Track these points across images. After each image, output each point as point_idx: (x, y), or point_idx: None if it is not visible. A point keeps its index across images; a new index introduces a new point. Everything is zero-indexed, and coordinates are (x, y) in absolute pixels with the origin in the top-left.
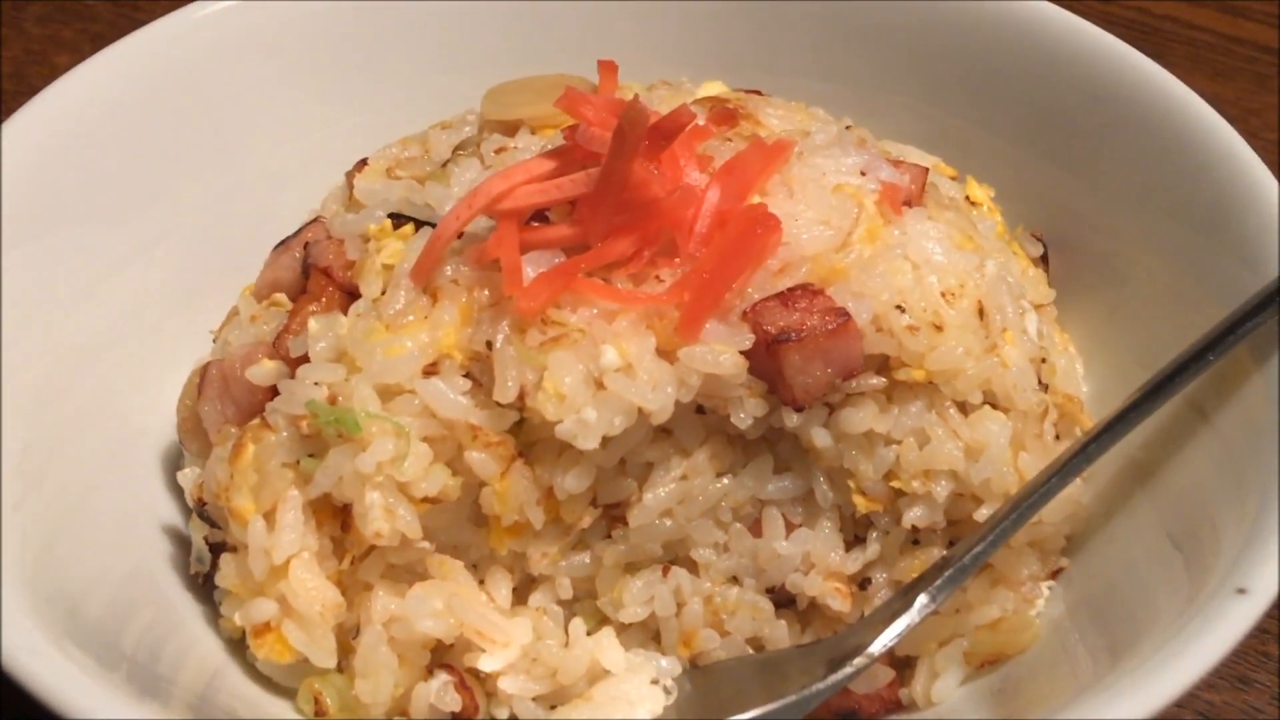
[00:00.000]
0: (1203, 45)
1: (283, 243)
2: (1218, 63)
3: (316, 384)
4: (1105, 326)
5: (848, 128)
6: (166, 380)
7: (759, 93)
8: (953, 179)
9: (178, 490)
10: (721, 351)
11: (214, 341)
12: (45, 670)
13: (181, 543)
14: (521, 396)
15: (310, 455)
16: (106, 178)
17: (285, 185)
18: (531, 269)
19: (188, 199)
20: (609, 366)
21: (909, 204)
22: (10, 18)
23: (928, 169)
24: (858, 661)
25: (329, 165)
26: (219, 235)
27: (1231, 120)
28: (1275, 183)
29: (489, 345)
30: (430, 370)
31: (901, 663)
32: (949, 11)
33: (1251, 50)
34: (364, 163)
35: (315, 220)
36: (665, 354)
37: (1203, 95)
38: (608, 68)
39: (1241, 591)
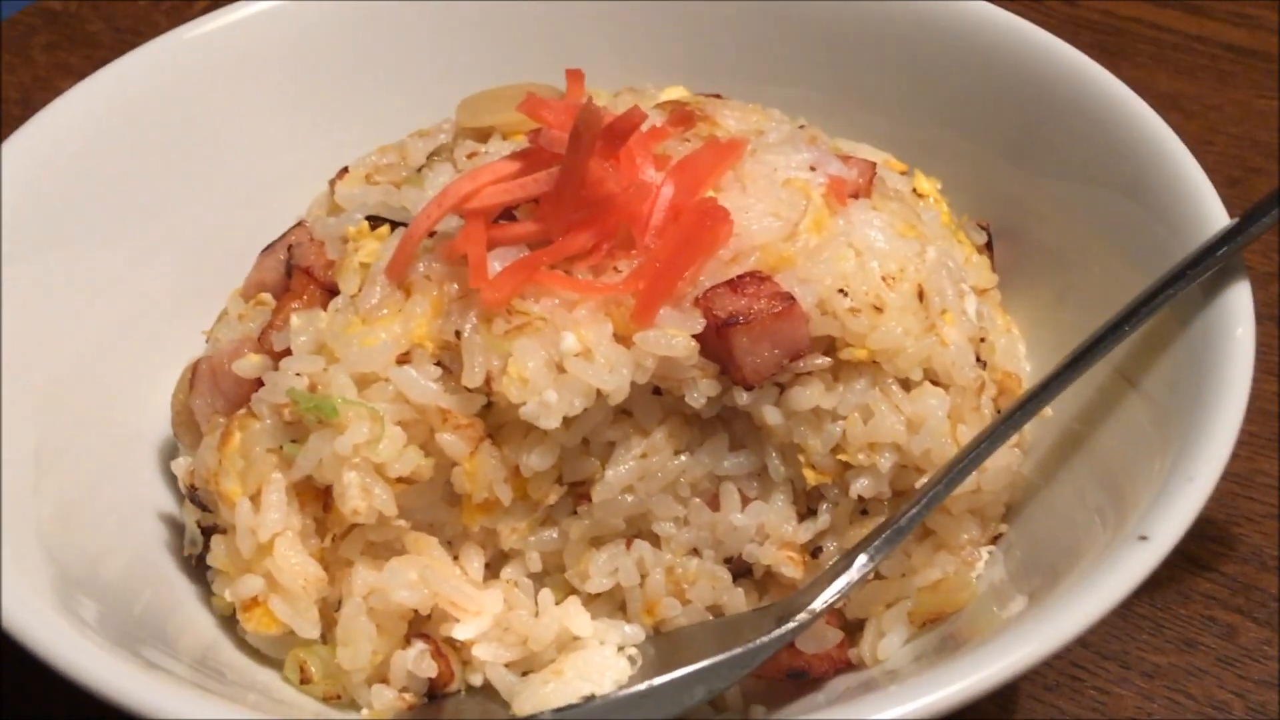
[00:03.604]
0: (1167, 45)
1: (269, 246)
2: (1181, 61)
3: (298, 374)
4: (1050, 310)
5: (801, 127)
6: (162, 382)
7: (718, 96)
8: (902, 173)
9: (173, 482)
10: (674, 335)
11: (206, 342)
12: (93, 665)
13: (178, 529)
14: (488, 381)
15: (293, 441)
16: (104, 192)
17: (275, 195)
18: (498, 263)
19: (182, 210)
20: (569, 351)
21: (856, 196)
22: (18, 45)
23: (875, 163)
24: (800, 617)
25: (317, 175)
26: (213, 244)
27: (1193, 116)
28: (1194, 161)
29: (458, 334)
30: (403, 359)
31: (853, 626)
32: (900, 12)
33: (1214, 48)
34: (345, 171)
35: (299, 225)
36: (622, 339)
37: (1166, 93)
38: (574, 76)
39: (1143, 539)
